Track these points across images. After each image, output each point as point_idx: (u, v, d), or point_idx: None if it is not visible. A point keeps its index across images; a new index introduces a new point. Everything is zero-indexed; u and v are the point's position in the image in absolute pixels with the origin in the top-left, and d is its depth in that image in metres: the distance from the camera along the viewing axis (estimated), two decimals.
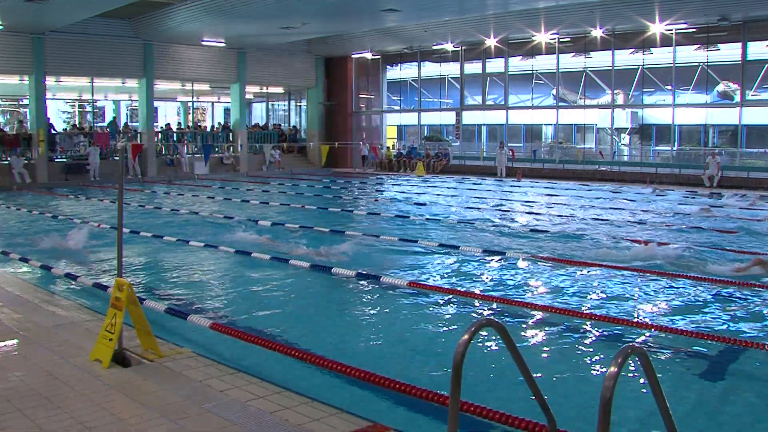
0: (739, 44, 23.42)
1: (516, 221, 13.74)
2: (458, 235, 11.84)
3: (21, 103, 33.05)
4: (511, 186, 22.56)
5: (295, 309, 7.26)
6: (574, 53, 28.51)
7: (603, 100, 29.01)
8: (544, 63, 29.35)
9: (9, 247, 10.48)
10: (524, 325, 6.35)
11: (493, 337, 5.71)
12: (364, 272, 8.24)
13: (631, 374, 4.87)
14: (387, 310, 7.07)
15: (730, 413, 4.58)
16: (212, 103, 39.04)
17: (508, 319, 6.47)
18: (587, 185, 22.62)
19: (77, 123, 32.20)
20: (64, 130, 29.15)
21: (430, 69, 33.34)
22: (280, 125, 34.63)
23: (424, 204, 17.06)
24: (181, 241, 10.96)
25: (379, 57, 32.52)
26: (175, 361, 4.93)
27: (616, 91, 27.42)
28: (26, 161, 23.72)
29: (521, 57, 29.46)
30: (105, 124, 32.58)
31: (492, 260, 9.52)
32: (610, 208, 15.85)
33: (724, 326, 6.37)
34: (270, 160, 30.08)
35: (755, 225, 13.11)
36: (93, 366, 4.82)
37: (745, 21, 22.74)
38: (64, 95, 33.70)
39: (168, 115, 37.30)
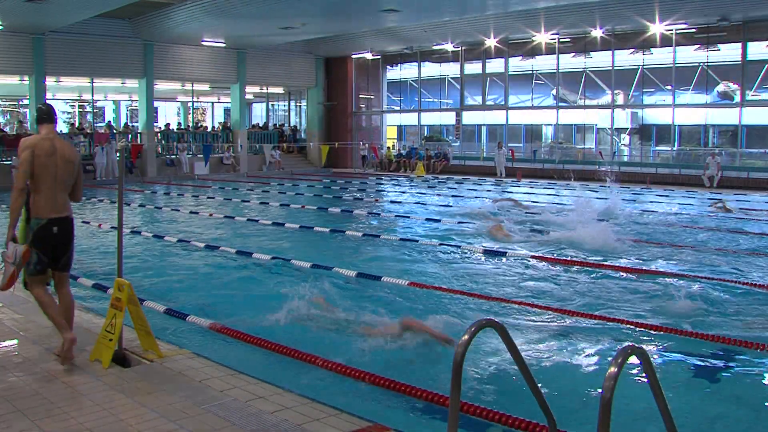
0: (739, 44, 23.42)
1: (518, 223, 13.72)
2: (458, 235, 11.84)
3: (21, 103, 33.11)
4: (511, 186, 22.56)
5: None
6: (574, 53, 28.51)
7: (603, 100, 29.00)
8: (544, 63, 29.34)
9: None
10: (524, 325, 6.35)
11: (493, 337, 5.70)
12: (364, 272, 8.25)
13: (631, 374, 4.86)
14: (387, 310, 7.06)
15: (731, 413, 4.59)
16: (212, 103, 39.09)
17: (508, 319, 6.47)
18: (586, 184, 22.60)
19: (77, 123, 32.21)
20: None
21: (430, 69, 33.33)
22: (282, 125, 34.62)
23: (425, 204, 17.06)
24: (182, 242, 10.97)
25: (379, 57, 32.51)
26: (175, 362, 4.93)
27: (616, 92, 27.42)
28: None
29: (521, 57, 29.44)
30: (103, 123, 32.59)
31: (492, 260, 9.52)
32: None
33: (724, 326, 6.37)
34: (270, 160, 30.07)
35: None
36: (93, 366, 4.82)
37: (745, 21, 22.74)
38: (64, 95, 33.70)
39: (168, 115, 37.34)
